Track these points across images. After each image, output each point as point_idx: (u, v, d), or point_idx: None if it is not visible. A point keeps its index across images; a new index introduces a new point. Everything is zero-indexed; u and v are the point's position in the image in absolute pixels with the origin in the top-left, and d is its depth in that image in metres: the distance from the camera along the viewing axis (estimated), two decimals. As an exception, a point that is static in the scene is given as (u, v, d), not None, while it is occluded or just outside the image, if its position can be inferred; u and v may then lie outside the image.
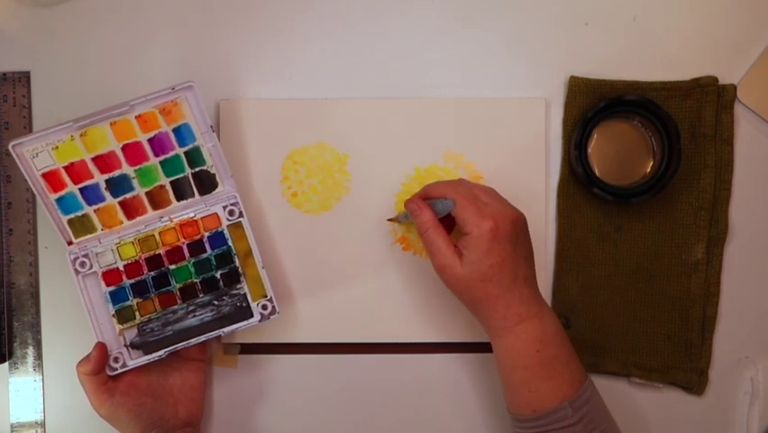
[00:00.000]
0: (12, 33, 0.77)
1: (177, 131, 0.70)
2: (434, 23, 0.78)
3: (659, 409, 0.78)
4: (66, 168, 0.69)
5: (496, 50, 0.78)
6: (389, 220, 0.77)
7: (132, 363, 0.70)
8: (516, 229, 0.66)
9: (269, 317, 0.71)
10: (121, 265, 0.71)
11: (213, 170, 0.71)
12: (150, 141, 0.69)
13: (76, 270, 0.70)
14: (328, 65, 0.78)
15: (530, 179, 0.77)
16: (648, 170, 0.76)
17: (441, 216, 0.68)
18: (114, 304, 0.70)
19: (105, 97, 0.72)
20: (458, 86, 0.78)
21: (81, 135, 0.68)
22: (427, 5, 0.78)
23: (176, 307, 0.71)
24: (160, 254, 0.71)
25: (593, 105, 0.75)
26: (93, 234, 0.71)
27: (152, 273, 0.71)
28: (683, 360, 0.77)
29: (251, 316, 0.71)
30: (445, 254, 0.66)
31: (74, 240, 0.70)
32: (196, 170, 0.71)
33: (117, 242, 0.71)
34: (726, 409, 0.78)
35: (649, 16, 0.78)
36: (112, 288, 0.70)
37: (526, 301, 0.66)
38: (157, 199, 0.71)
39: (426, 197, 0.70)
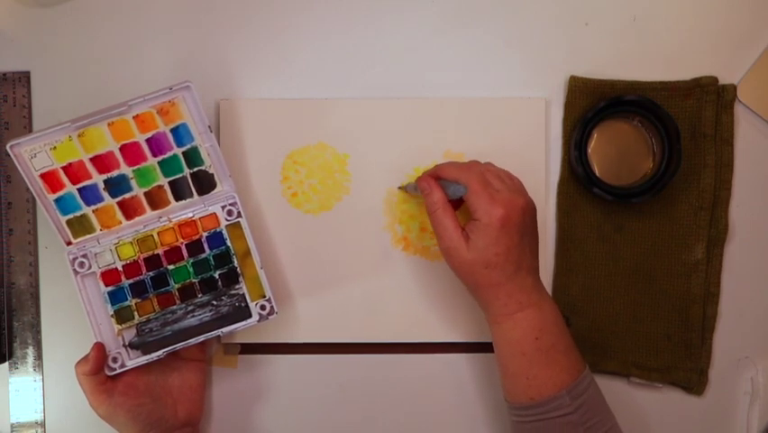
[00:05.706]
0: (12, 33, 0.78)
1: (175, 131, 0.70)
2: (433, 22, 0.78)
3: (659, 409, 0.78)
4: (64, 168, 0.69)
5: (496, 51, 0.78)
6: (399, 188, 0.77)
7: (130, 364, 0.70)
8: (525, 218, 0.66)
9: (267, 318, 0.71)
10: (119, 265, 0.71)
11: (211, 171, 0.71)
12: (149, 141, 0.69)
13: (75, 270, 0.70)
14: (328, 65, 0.78)
15: (530, 178, 0.76)
16: (648, 170, 0.76)
17: (451, 199, 0.68)
18: (112, 304, 0.70)
19: (105, 97, 0.72)
20: (458, 86, 0.78)
21: (79, 136, 0.68)
22: (427, 5, 0.78)
23: (174, 307, 0.71)
24: (158, 254, 0.71)
25: (593, 105, 0.75)
26: (92, 235, 0.71)
27: (151, 273, 0.71)
28: (683, 360, 0.77)
29: (250, 316, 0.71)
30: (452, 237, 0.66)
31: (73, 240, 0.70)
32: (195, 170, 0.71)
33: (116, 242, 0.71)
34: (726, 409, 0.78)
35: (649, 16, 0.78)
36: (110, 288, 0.70)
37: (528, 290, 0.66)
38: (155, 199, 0.71)
39: (438, 177, 0.70)
